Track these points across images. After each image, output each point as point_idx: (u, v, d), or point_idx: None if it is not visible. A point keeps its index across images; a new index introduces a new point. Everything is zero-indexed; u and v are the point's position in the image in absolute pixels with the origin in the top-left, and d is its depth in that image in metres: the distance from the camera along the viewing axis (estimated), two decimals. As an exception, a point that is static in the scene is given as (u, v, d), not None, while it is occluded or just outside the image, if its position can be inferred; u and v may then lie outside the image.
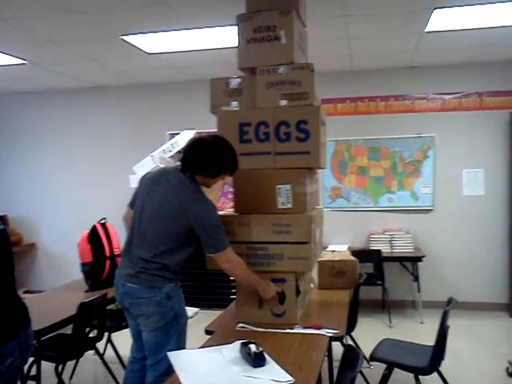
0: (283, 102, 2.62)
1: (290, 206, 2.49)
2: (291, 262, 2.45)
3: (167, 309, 2.34)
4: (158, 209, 2.35)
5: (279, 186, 2.50)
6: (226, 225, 2.47)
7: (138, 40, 4.25)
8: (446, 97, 5.46)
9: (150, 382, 2.39)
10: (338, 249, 4.23)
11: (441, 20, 3.87)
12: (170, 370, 2.00)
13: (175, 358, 1.96)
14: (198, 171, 2.40)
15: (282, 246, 2.45)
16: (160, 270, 2.33)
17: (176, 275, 2.41)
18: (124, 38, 4.15)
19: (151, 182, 2.46)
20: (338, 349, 2.89)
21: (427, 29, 4.09)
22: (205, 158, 2.38)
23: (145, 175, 2.56)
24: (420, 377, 2.97)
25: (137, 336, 2.53)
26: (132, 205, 2.54)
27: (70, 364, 3.44)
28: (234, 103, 2.73)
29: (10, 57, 4.68)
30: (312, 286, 3.22)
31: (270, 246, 2.47)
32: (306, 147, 2.51)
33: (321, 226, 2.91)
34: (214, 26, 3.91)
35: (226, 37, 4.11)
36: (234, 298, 2.66)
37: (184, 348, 2.39)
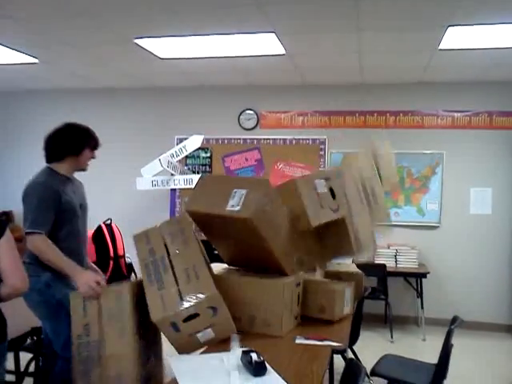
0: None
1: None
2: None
3: (49, 297, 2.43)
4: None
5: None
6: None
7: (151, 44, 4.28)
8: (456, 114, 5.45)
9: (58, 370, 2.43)
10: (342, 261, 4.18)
11: (454, 38, 3.87)
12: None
13: (176, 362, 1.94)
14: (59, 157, 2.66)
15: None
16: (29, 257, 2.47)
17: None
18: (137, 41, 4.18)
19: None
20: (338, 362, 2.87)
21: (440, 46, 4.09)
22: (52, 142, 2.67)
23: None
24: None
25: None
26: None
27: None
28: None
29: (23, 54, 4.67)
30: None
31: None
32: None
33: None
34: (226, 34, 3.93)
35: (237, 45, 4.12)
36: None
37: None
